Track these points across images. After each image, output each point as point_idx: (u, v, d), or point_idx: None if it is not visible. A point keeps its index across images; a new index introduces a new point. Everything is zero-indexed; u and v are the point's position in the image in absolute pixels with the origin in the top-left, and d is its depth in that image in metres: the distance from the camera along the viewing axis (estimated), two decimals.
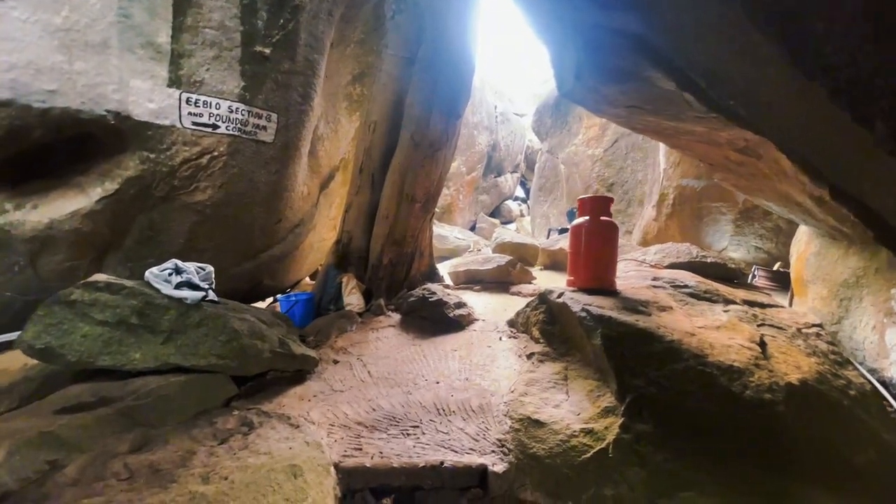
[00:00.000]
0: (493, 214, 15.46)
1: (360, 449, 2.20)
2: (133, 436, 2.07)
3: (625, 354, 2.30)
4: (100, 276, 2.54)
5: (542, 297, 2.98)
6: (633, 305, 2.67)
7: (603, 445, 2.01)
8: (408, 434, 2.29)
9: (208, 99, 3.59)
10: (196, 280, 2.63)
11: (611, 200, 3.04)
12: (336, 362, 3.08)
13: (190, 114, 3.51)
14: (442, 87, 4.31)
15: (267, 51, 3.75)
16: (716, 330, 2.55)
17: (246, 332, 2.57)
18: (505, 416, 2.35)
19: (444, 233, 9.68)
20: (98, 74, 3.10)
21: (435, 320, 3.76)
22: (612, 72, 2.69)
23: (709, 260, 3.84)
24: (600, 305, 2.56)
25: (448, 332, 3.60)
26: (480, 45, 4.77)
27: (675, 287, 3.13)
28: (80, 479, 1.79)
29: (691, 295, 3.03)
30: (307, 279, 5.83)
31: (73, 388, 2.36)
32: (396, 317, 3.89)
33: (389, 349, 3.32)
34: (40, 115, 2.95)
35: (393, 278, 4.32)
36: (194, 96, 3.52)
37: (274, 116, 4.04)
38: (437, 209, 5.18)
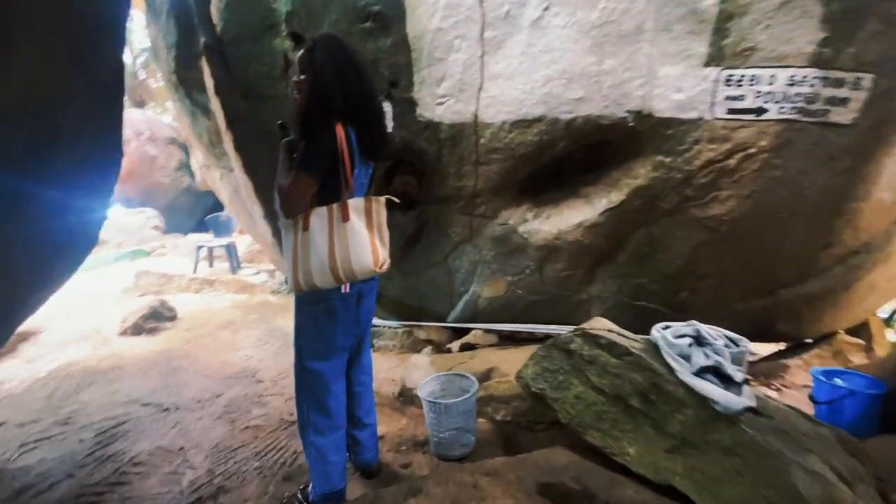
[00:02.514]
0: None
1: None
2: None
3: None
4: (603, 329, 2.05)
5: None
6: None
7: None
8: None
9: (758, 72, 2.43)
10: (726, 365, 1.66)
11: None
12: None
13: (727, 98, 2.49)
14: None
15: None
16: None
17: (818, 499, 1.37)
18: None
19: None
20: (625, 70, 2.61)
21: None
22: None
23: None
24: None
25: None
26: None
27: None
28: None
29: None
30: (844, 335, 3.73)
31: (558, 451, 2.02)
32: None
33: None
34: (564, 127, 2.79)
35: None
36: (737, 72, 2.45)
37: (867, 80, 2.37)
38: None
